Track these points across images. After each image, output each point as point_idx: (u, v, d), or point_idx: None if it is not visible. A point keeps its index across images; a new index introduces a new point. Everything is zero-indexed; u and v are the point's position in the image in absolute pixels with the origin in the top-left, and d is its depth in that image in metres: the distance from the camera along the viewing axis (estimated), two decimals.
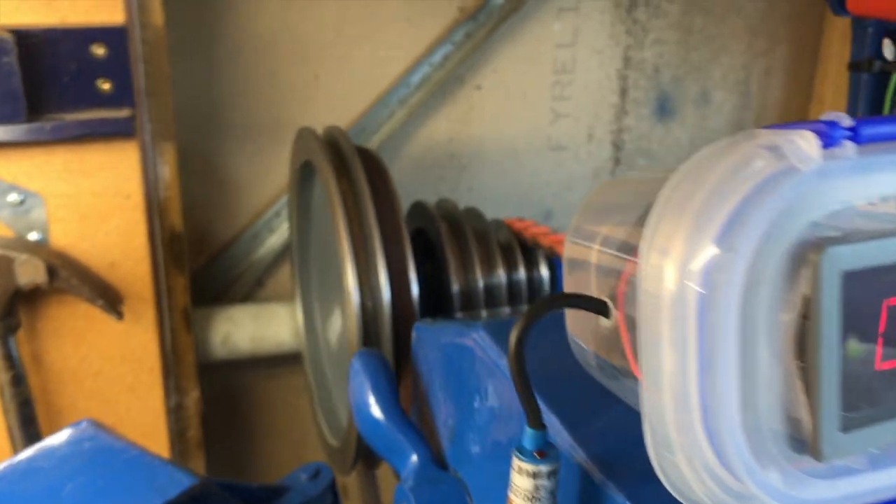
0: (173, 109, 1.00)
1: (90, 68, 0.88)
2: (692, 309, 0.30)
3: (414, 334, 0.66)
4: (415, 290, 0.86)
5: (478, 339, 0.52)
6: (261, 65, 1.17)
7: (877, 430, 0.31)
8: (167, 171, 1.00)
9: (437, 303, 0.95)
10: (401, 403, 0.61)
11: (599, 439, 0.40)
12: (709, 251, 0.29)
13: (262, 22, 1.15)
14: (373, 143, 1.22)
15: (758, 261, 0.29)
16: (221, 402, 1.27)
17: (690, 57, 1.37)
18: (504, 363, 0.48)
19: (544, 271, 1.02)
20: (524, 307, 0.97)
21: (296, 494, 0.74)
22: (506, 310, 0.93)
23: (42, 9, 0.87)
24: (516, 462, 0.37)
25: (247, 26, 1.15)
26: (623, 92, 1.36)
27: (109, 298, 0.94)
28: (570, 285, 0.41)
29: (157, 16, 0.93)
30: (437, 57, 1.23)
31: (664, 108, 1.39)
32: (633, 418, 0.39)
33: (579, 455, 0.39)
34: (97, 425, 0.74)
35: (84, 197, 0.94)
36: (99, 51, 0.88)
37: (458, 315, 0.90)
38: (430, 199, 1.14)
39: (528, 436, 0.37)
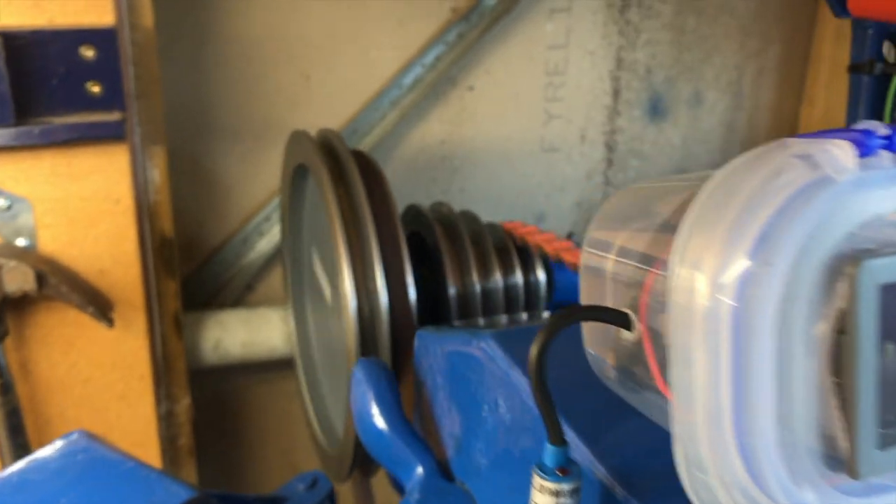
0: (162, 112, 0.98)
1: (79, 70, 0.86)
2: (726, 324, 0.29)
3: (416, 342, 0.65)
4: (412, 294, 0.85)
5: (486, 349, 0.51)
6: (250, 66, 1.16)
7: None
8: (157, 174, 0.99)
9: (433, 307, 0.94)
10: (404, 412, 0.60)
11: (620, 454, 0.39)
12: (743, 265, 0.29)
13: (252, 23, 1.14)
14: (364, 145, 1.20)
15: (793, 274, 0.29)
16: (212, 409, 1.25)
17: (683, 57, 1.36)
18: (515, 374, 0.47)
19: (541, 275, 1.01)
20: (523, 315, 0.96)
21: None
22: (503, 318, 0.91)
23: (29, 10, 0.85)
24: (537, 480, 0.36)
25: (236, 27, 1.13)
26: (616, 93, 1.35)
27: (100, 305, 0.93)
28: (587, 296, 0.40)
29: (147, 17, 0.92)
30: (430, 58, 1.22)
31: (657, 109, 1.38)
32: (653, 432, 0.38)
33: (599, 471, 0.39)
34: (90, 436, 0.72)
35: (73, 202, 0.92)
36: (88, 53, 0.86)
37: (457, 323, 0.89)
38: (422, 200, 1.13)
39: (550, 453, 0.36)
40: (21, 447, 0.96)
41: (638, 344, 0.36)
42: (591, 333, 0.40)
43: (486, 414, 0.52)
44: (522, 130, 1.32)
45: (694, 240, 0.30)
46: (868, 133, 0.30)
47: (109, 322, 0.93)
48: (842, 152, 0.29)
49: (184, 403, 1.10)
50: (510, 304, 0.99)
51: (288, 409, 1.31)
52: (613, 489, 0.37)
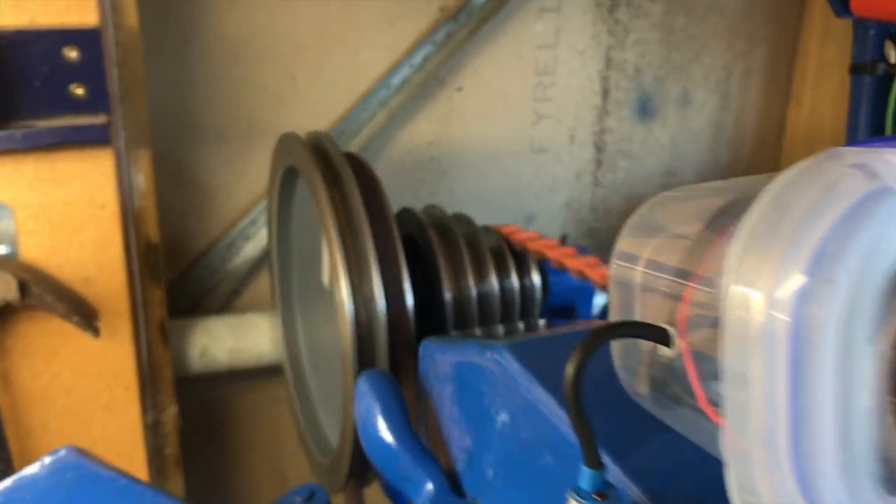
0: (147, 114, 0.96)
1: (63, 72, 0.83)
2: (783, 343, 0.27)
3: (421, 351, 0.63)
4: (410, 300, 0.83)
5: (501, 362, 0.49)
6: (236, 66, 1.13)
7: None
8: (142, 178, 0.96)
9: (428, 312, 0.92)
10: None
11: (653, 473, 0.38)
12: (801, 281, 0.27)
13: (238, 21, 1.11)
14: (352, 147, 1.18)
15: (854, 290, 0.27)
16: (199, 417, 1.22)
17: (672, 57, 1.36)
18: (535, 388, 0.45)
19: (536, 278, 1.00)
20: (519, 324, 0.94)
21: None
22: (499, 328, 0.90)
23: (9, 9, 0.82)
24: None
25: (221, 26, 1.10)
26: (605, 93, 1.34)
27: (85, 314, 0.90)
28: (617, 309, 0.38)
29: (132, 17, 0.89)
30: (418, 58, 1.20)
31: (645, 109, 1.37)
32: (685, 448, 0.37)
33: (634, 492, 0.37)
34: (79, 452, 0.69)
35: (56, 207, 0.89)
36: (72, 54, 0.83)
37: (454, 332, 0.87)
38: (411, 202, 1.11)
39: (587, 476, 0.34)
40: (3, 461, 0.93)
41: (676, 360, 0.34)
42: (622, 348, 0.39)
43: (500, 428, 0.50)
44: (511, 131, 1.31)
45: (749, 256, 0.28)
46: None
47: (95, 331, 0.90)
48: None
49: (170, 412, 1.07)
50: (506, 308, 0.97)
51: (275, 415, 1.29)
52: None
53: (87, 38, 0.83)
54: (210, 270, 1.20)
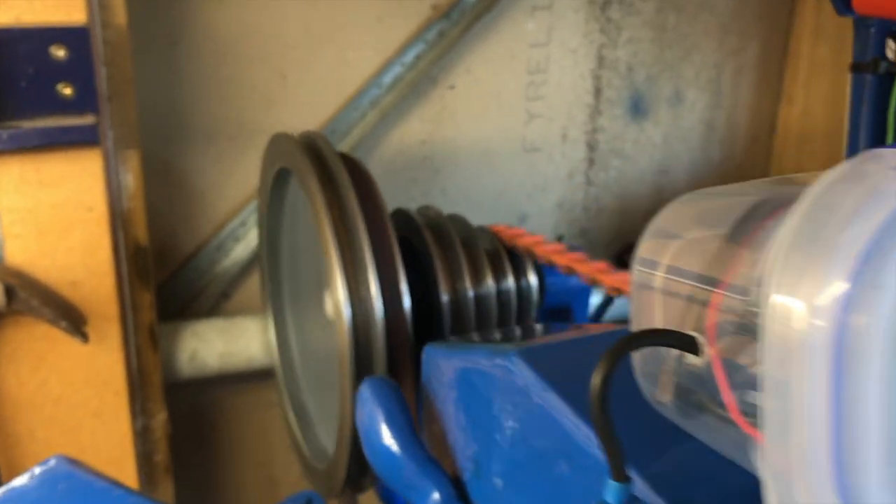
0: (136, 114, 0.94)
1: (50, 71, 0.81)
2: (827, 353, 0.26)
3: (424, 356, 0.62)
4: (407, 302, 0.82)
5: (511, 368, 0.48)
6: (224, 66, 1.11)
7: None
8: (131, 180, 0.94)
9: (424, 314, 0.90)
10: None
11: (679, 484, 0.37)
12: (844, 288, 0.26)
13: (226, 21, 1.09)
14: (344, 146, 1.16)
15: None
16: (188, 422, 1.20)
17: (664, 55, 1.35)
18: (549, 396, 0.44)
19: (532, 279, 0.99)
20: (516, 327, 0.93)
21: None
22: (496, 334, 0.88)
23: None
24: None
25: (210, 26, 1.09)
26: (597, 91, 1.33)
27: (73, 319, 0.88)
28: (639, 316, 0.37)
29: (120, 15, 0.87)
30: (410, 56, 1.19)
31: (638, 108, 1.37)
32: (713, 459, 0.36)
33: None
34: (70, 462, 0.67)
35: (42, 210, 0.87)
36: (59, 53, 0.81)
37: (453, 337, 0.86)
38: (403, 202, 1.10)
39: (613, 490, 0.33)
40: None
41: (704, 369, 0.33)
42: (643, 355, 0.38)
43: (510, 436, 0.49)
44: (504, 130, 1.30)
45: (789, 263, 0.27)
46: None
47: (84, 337, 0.88)
48: None
49: (160, 418, 1.05)
50: (502, 310, 0.96)
51: (265, 420, 1.27)
52: None
53: (74, 37, 0.81)
54: (199, 273, 1.18)
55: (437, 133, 1.26)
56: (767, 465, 0.28)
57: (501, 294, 0.95)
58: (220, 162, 1.15)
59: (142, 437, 1.03)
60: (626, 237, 1.42)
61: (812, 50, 1.37)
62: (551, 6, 1.25)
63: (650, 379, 0.38)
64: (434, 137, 1.26)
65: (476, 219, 1.04)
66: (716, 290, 0.33)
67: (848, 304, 0.26)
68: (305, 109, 1.16)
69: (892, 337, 0.26)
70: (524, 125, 1.30)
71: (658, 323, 0.37)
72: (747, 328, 0.31)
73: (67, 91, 0.82)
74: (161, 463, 1.07)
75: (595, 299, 1.13)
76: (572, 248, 0.89)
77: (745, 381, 0.32)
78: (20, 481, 0.65)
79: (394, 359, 0.81)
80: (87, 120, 0.84)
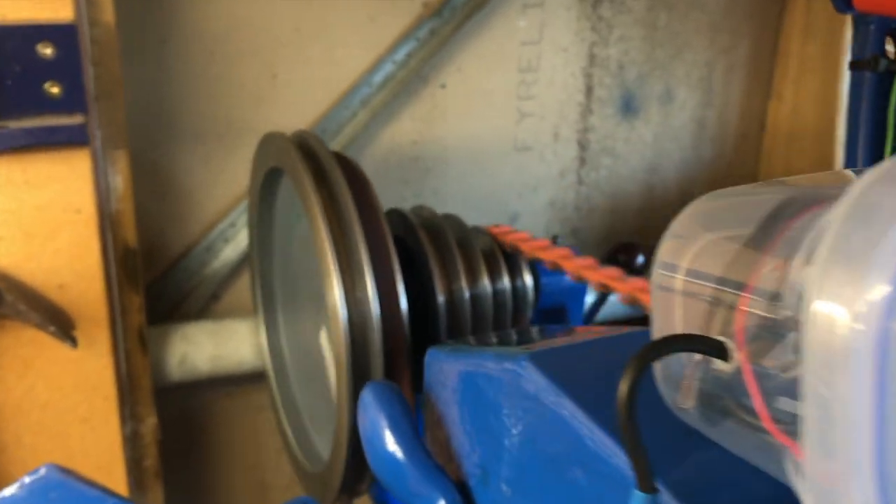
0: (124, 114, 0.92)
1: (37, 70, 0.79)
2: (870, 359, 0.25)
3: (427, 359, 0.60)
4: (404, 303, 0.80)
5: (521, 373, 0.47)
6: (213, 64, 1.09)
7: None
8: (120, 181, 0.92)
9: (419, 314, 0.89)
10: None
11: (703, 492, 0.36)
12: (889, 292, 0.25)
13: (215, 18, 1.07)
14: (334, 146, 1.15)
15: None
16: (177, 426, 1.19)
17: (655, 54, 1.34)
18: (564, 401, 0.43)
19: (528, 279, 0.98)
20: (512, 331, 0.92)
21: None
22: (492, 338, 0.87)
23: None
24: None
25: (199, 23, 1.07)
26: (588, 90, 1.32)
27: (61, 324, 0.86)
28: (659, 321, 0.36)
29: (108, 13, 0.85)
30: (401, 55, 1.17)
31: (629, 107, 1.36)
32: (738, 467, 0.35)
33: None
34: (61, 471, 0.65)
35: (29, 212, 0.85)
36: (46, 51, 0.79)
37: (449, 341, 0.85)
38: (394, 203, 1.09)
39: (639, 501, 0.32)
40: None
41: (732, 375, 0.32)
42: (665, 359, 0.37)
43: (520, 442, 0.48)
44: (495, 129, 1.29)
45: (831, 268, 0.26)
46: None
47: (73, 342, 0.86)
48: None
49: (150, 423, 1.03)
50: (498, 311, 0.95)
51: (255, 423, 1.25)
52: None
53: (62, 34, 0.79)
54: (188, 274, 1.16)
55: (428, 132, 1.24)
56: (807, 479, 0.27)
57: (497, 294, 0.94)
58: (208, 161, 1.13)
59: (131, 442, 1.01)
60: (617, 237, 1.42)
61: (802, 48, 1.37)
62: (543, 3, 1.24)
63: (671, 384, 0.37)
64: (425, 137, 1.24)
65: (467, 218, 1.03)
66: (743, 293, 0.32)
67: (892, 309, 0.25)
68: (295, 108, 1.15)
69: None
70: (515, 124, 1.30)
71: (680, 327, 0.36)
72: (778, 333, 0.30)
73: (55, 90, 0.80)
74: (151, 468, 1.05)
75: (590, 299, 1.13)
76: (577, 254, 0.88)
77: (775, 388, 0.31)
78: (9, 491, 0.63)
79: (391, 361, 0.80)
80: (76, 120, 0.82)
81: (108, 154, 0.89)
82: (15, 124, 0.79)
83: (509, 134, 1.30)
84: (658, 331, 0.37)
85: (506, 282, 0.95)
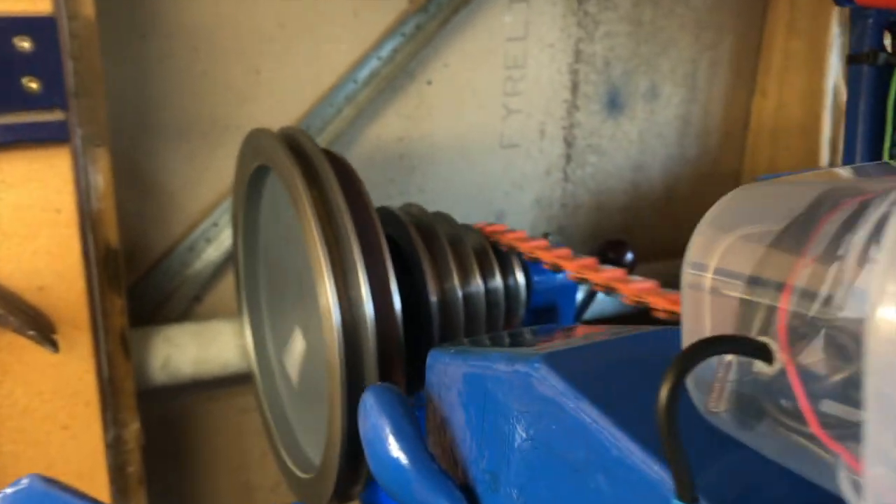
0: (106, 111, 0.89)
1: (15, 64, 0.76)
2: None
3: (429, 361, 0.59)
4: (397, 303, 0.79)
5: (534, 374, 0.46)
6: (197, 61, 1.07)
7: None
8: (101, 179, 0.89)
9: (412, 314, 0.88)
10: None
11: (738, 500, 0.34)
12: None
13: (199, 14, 1.05)
14: (319, 143, 1.12)
15: None
16: (161, 431, 1.16)
17: (640, 50, 1.34)
18: (584, 406, 0.41)
19: (520, 277, 0.96)
20: (504, 333, 0.91)
21: None
22: (485, 339, 0.86)
23: None
24: None
25: (181, 18, 1.04)
26: (574, 86, 1.31)
27: (41, 328, 0.83)
28: (691, 322, 0.35)
29: (88, 6, 0.82)
30: (386, 51, 1.15)
31: (614, 103, 1.35)
32: (772, 472, 0.34)
33: None
34: (45, 481, 0.63)
35: (7, 212, 0.82)
36: (24, 44, 0.76)
37: (447, 344, 0.83)
38: (381, 201, 1.07)
39: None
40: None
41: (774, 377, 0.31)
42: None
43: (533, 447, 0.46)
44: (481, 126, 1.27)
45: (893, 269, 0.25)
46: None
47: (54, 346, 0.83)
48: None
49: (132, 428, 1.01)
50: (491, 309, 0.94)
51: (240, 424, 1.23)
52: None
53: (40, 27, 0.76)
54: (170, 275, 1.13)
55: (415, 130, 1.23)
56: (866, 491, 0.26)
57: (490, 293, 0.93)
58: (191, 160, 1.10)
59: (114, 448, 0.98)
60: (602, 234, 1.41)
61: (786, 44, 1.37)
62: None
63: (702, 386, 0.35)
64: (411, 134, 1.23)
65: (453, 216, 1.01)
66: (784, 293, 0.31)
67: None
68: (280, 105, 1.13)
69: None
70: (502, 121, 1.28)
71: (710, 328, 0.35)
72: (829, 335, 0.29)
73: (33, 85, 0.77)
74: (134, 474, 1.02)
75: (578, 295, 1.12)
76: (577, 256, 0.86)
77: (821, 391, 0.30)
78: None
79: (385, 363, 0.78)
80: (55, 116, 0.80)
81: (88, 152, 0.86)
82: None
83: (496, 131, 1.28)
84: (689, 332, 0.36)
85: (498, 280, 0.94)
